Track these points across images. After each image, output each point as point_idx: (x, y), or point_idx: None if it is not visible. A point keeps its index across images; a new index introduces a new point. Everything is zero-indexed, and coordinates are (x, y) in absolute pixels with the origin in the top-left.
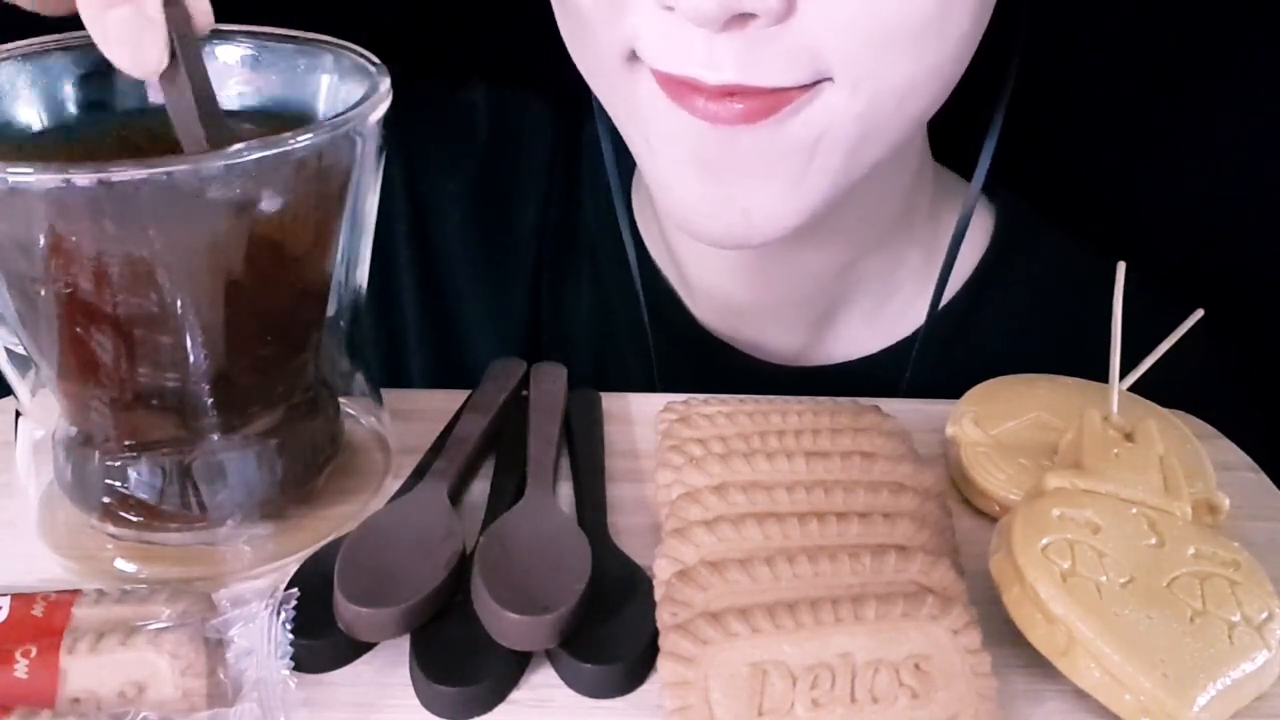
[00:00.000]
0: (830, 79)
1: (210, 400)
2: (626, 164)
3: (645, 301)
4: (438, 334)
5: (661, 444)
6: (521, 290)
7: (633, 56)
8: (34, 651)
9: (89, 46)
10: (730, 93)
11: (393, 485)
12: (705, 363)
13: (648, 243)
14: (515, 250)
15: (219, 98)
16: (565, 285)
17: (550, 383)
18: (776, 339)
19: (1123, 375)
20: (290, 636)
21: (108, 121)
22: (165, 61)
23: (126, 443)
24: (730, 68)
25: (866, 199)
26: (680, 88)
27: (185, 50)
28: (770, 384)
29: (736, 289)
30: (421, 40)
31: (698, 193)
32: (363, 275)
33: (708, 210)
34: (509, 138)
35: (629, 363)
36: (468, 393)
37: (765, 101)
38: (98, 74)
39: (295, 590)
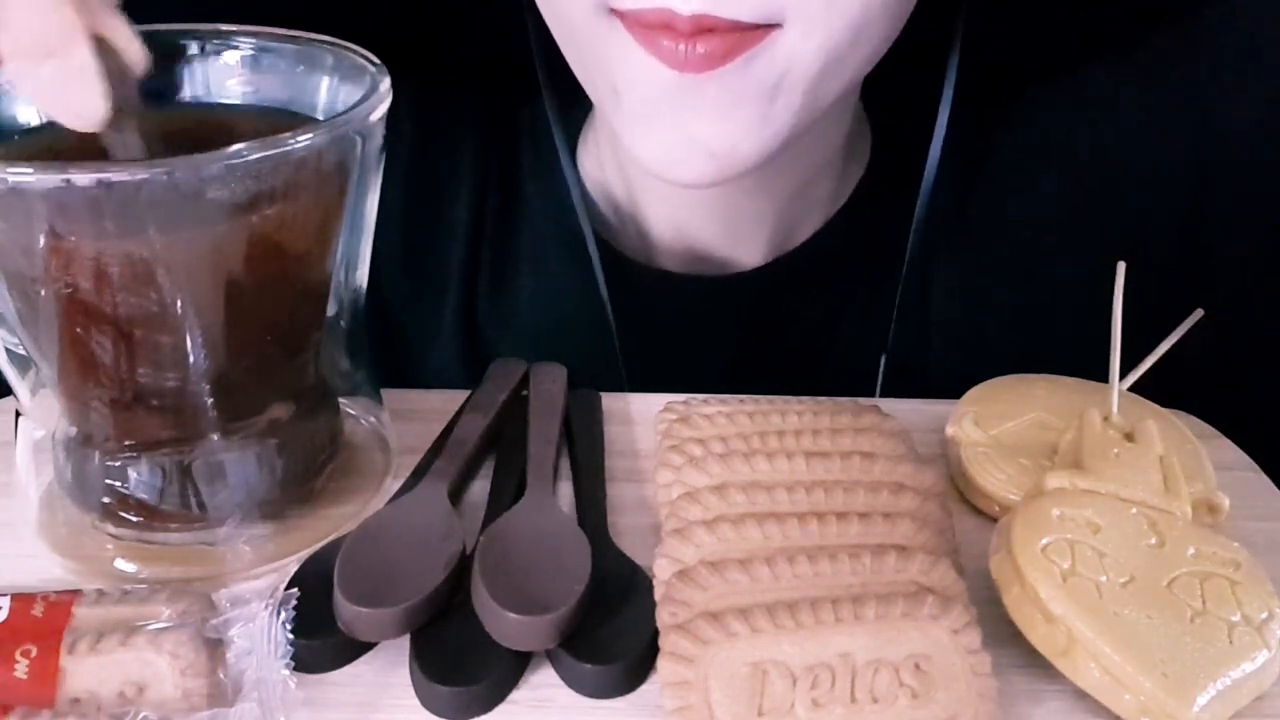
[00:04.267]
0: (780, 25)
1: (210, 400)
2: (572, 131)
3: (602, 259)
4: (371, 337)
5: (661, 444)
6: (456, 286)
7: (605, 9)
8: (34, 651)
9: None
10: (698, 29)
11: (393, 485)
12: (671, 299)
13: (602, 206)
14: (449, 247)
15: (219, 99)
16: (506, 272)
17: (550, 383)
18: (743, 261)
19: (1123, 375)
20: (290, 636)
21: None
22: (106, 111)
23: (126, 443)
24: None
25: (824, 122)
26: (650, 31)
27: (126, 96)
28: (737, 292)
29: (703, 224)
30: (355, 30)
31: (665, 139)
32: (363, 275)
33: (675, 156)
34: (436, 133)
35: (584, 333)
36: (468, 393)
37: (727, 40)
38: None
39: (295, 590)
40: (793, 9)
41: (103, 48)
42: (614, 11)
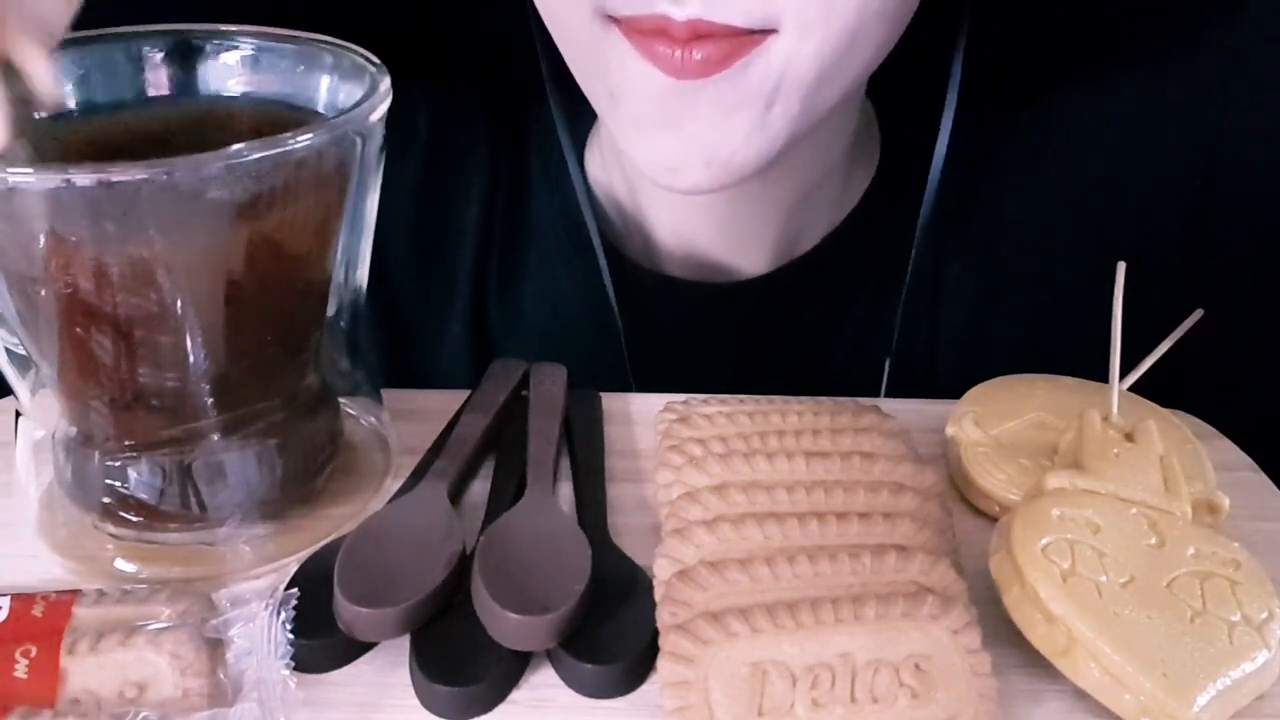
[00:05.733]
0: (777, 30)
1: (210, 400)
2: (580, 134)
3: (608, 263)
4: (377, 333)
5: (661, 444)
6: (466, 286)
7: (602, 16)
8: (34, 651)
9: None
10: (694, 34)
11: (393, 485)
12: (675, 305)
13: (607, 210)
14: (458, 248)
15: (221, 100)
16: (514, 274)
17: (550, 383)
18: (747, 267)
19: (1123, 375)
20: (290, 636)
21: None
22: (3, 141)
23: (126, 443)
24: (695, 3)
25: (827, 128)
26: (647, 38)
27: (25, 128)
28: (741, 300)
29: (706, 231)
30: (355, 30)
31: (662, 145)
32: (363, 275)
33: (672, 163)
34: (450, 134)
35: (590, 336)
36: (468, 393)
37: (723, 47)
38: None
39: (295, 590)
40: (788, 14)
41: (11, 74)
42: (610, 18)
